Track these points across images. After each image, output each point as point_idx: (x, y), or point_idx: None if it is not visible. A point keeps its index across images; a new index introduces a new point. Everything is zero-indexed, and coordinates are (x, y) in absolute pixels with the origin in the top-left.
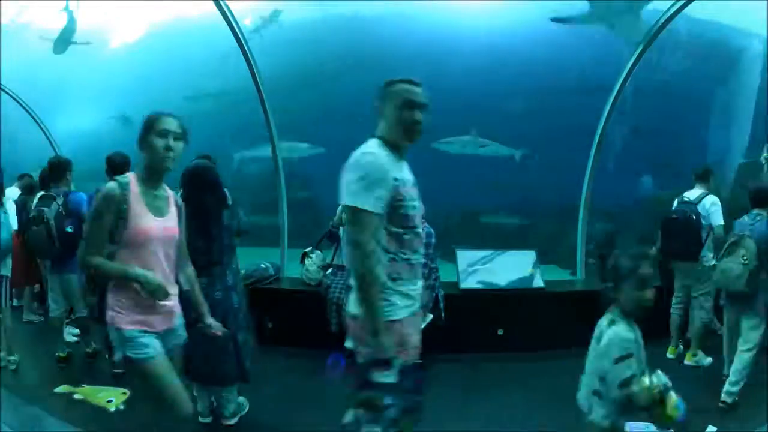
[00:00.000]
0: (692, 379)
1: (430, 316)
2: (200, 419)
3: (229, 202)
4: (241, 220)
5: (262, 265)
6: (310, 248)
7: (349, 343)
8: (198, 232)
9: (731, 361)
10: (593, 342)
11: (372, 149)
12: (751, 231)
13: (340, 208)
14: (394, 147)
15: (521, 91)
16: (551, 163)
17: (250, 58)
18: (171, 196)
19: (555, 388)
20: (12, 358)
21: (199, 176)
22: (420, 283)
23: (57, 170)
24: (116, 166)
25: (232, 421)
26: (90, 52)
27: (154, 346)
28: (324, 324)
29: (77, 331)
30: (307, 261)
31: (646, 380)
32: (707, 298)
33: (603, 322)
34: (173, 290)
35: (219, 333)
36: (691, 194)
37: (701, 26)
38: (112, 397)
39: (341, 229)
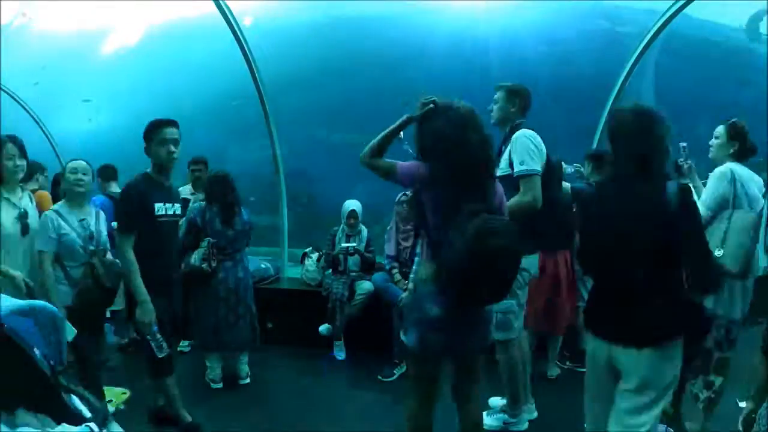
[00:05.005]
0: None
1: None
2: (212, 386)
3: (242, 210)
4: (250, 225)
5: (262, 265)
6: (310, 248)
7: (340, 354)
8: (225, 224)
9: None
10: None
11: None
12: None
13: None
14: None
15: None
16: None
17: (250, 58)
18: None
19: (559, 386)
20: None
21: (220, 183)
22: None
23: (104, 174)
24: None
25: (248, 380)
26: (90, 53)
27: None
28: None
29: None
30: (307, 261)
31: None
32: None
33: None
34: None
35: None
36: None
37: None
38: (112, 397)
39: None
